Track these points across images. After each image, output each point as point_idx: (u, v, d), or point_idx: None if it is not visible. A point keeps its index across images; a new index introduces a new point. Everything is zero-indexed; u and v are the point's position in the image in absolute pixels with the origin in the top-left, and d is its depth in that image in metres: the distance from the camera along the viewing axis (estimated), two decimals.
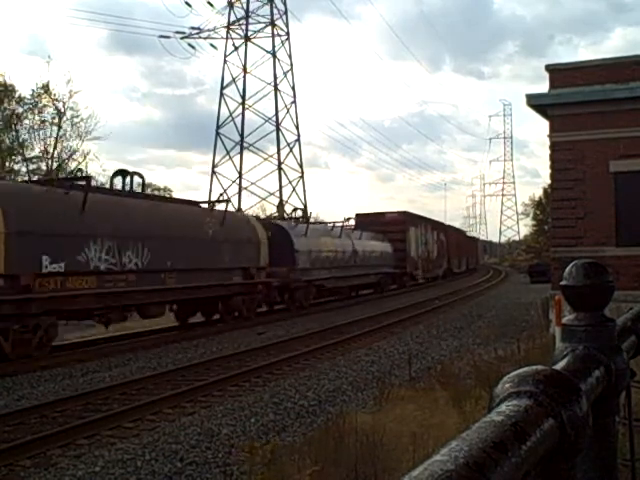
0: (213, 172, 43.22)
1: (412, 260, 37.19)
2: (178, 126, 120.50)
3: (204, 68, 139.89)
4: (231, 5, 42.94)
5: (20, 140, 34.48)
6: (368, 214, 36.60)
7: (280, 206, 41.10)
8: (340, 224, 28.98)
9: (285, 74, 43.11)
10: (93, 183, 17.58)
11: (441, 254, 45.94)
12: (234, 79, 42.82)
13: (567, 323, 1.40)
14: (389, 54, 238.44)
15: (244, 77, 42.89)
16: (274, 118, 42.50)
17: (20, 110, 34.17)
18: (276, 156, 42.45)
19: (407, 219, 37.43)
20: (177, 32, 41.38)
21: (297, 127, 43.31)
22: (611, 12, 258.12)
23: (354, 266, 28.56)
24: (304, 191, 43.07)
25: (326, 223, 31.42)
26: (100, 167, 67.17)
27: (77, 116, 35.20)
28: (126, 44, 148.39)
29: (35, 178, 29.15)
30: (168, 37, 41.41)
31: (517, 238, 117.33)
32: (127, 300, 15.21)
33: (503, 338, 14.55)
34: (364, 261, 29.75)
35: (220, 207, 20.30)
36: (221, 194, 37.75)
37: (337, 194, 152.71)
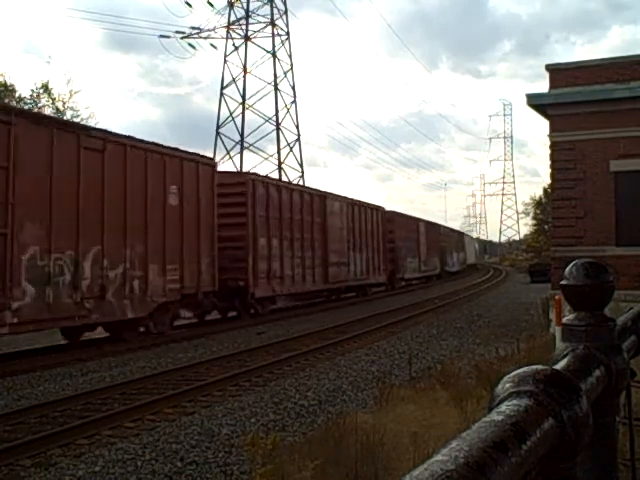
0: None
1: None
2: (175, 125, 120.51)
3: (200, 67, 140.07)
4: (231, 5, 42.93)
5: None
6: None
7: None
8: None
9: (285, 74, 43.13)
10: None
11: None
12: (234, 79, 42.83)
13: (567, 323, 1.40)
14: (386, 52, 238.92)
15: (244, 77, 42.89)
16: (274, 118, 42.52)
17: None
18: (276, 156, 42.48)
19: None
20: (177, 32, 41.41)
21: (297, 127, 43.34)
22: (608, 10, 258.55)
23: None
24: None
25: None
26: None
27: (77, 116, 35.23)
28: (121, 42, 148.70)
29: None
30: (168, 37, 41.45)
31: (517, 238, 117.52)
32: None
33: (503, 338, 14.53)
34: None
35: None
36: None
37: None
